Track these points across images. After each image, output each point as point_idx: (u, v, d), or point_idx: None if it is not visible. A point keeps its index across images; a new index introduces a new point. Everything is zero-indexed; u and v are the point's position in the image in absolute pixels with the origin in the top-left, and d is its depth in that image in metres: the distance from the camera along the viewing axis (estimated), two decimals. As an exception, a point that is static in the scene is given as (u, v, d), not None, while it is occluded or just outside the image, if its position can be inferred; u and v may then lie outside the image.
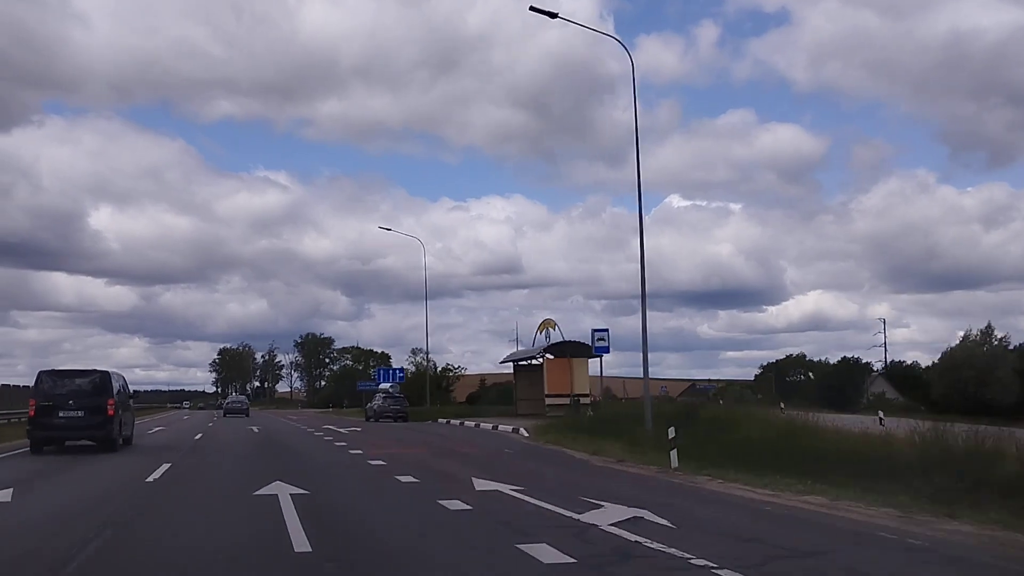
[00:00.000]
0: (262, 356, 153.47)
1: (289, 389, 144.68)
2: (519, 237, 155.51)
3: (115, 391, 20.14)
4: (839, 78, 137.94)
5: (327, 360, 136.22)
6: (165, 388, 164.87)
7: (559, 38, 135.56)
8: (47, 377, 19.84)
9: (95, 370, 20.46)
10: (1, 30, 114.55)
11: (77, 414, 19.19)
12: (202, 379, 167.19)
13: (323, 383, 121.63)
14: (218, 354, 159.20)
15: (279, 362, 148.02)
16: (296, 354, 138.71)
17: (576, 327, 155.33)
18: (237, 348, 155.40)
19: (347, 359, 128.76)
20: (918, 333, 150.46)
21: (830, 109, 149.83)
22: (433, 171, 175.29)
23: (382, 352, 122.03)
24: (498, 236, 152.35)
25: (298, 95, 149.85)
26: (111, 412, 19.48)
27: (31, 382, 21.52)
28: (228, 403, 64.23)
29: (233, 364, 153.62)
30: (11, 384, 41.04)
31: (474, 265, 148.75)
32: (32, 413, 19.41)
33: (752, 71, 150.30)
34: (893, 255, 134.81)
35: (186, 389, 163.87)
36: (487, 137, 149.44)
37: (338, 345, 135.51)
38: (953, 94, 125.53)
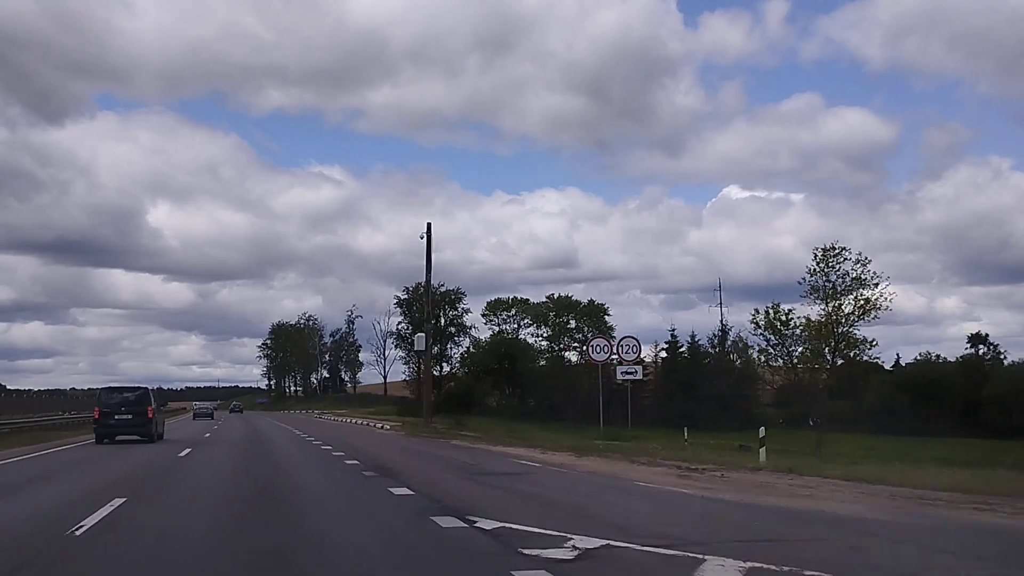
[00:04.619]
0: (331, 336, 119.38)
1: (382, 378, 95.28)
2: (574, 230, 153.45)
3: (152, 401, 28.57)
4: (916, 56, 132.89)
5: (452, 330, 72.62)
6: (217, 385, 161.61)
7: (617, 18, 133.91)
8: (105, 392, 28.57)
9: (139, 387, 29.00)
10: (48, 17, 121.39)
11: (127, 417, 27.47)
12: (257, 375, 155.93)
13: (453, 367, 69.27)
14: (270, 332, 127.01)
15: (356, 343, 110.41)
16: (399, 316, 74.93)
17: (633, 323, 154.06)
18: (297, 325, 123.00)
19: (502, 319, 74.80)
20: (990, 327, 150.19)
21: (903, 91, 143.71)
22: (487, 164, 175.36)
23: (590, 302, 73.22)
24: (553, 230, 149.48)
25: (349, 83, 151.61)
26: (151, 416, 27.78)
27: (92, 380, 30.93)
28: (196, 408, 70.33)
29: (292, 346, 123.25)
30: (77, 388, 50.19)
31: (529, 259, 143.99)
32: (96, 416, 27.91)
33: (822, 50, 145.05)
34: (964, 245, 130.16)
35: (239, 385, 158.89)
36: (542, 125, 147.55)
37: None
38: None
